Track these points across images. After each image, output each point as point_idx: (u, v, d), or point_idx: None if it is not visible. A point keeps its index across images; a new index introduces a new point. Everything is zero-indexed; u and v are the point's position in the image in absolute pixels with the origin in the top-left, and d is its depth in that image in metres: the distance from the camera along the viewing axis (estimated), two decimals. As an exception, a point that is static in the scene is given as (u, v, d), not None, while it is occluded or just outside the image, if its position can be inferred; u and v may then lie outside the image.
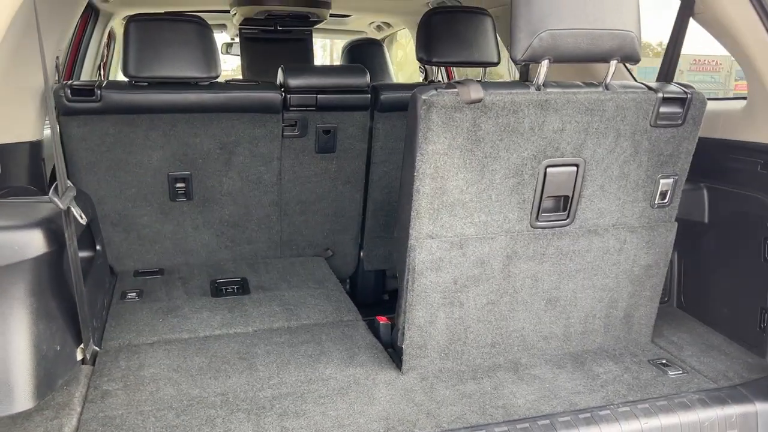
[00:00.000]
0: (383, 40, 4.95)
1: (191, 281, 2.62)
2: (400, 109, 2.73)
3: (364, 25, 4.95)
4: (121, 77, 2.67)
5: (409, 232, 1.82)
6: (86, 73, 3.77)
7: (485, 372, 1.95)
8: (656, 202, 1.97)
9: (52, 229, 1.73)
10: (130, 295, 2.45)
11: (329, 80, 2.63)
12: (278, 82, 2.67)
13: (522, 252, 1.91)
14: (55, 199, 1.62)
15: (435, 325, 1.91)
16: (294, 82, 2.59)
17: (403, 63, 6.25)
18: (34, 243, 1.68)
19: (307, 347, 2.07)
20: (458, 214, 1.82)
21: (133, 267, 2.73)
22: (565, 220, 1.91)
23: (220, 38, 5.28)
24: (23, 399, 1.66)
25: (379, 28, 4.86)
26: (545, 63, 1.68)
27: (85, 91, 2.35)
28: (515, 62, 1.69)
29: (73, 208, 1.68)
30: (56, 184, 1.64)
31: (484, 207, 1.84)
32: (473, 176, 1.79)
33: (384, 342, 2.13)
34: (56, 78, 2.52)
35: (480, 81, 1.89)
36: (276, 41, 4.06)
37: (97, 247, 2.36)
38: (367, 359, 2.00)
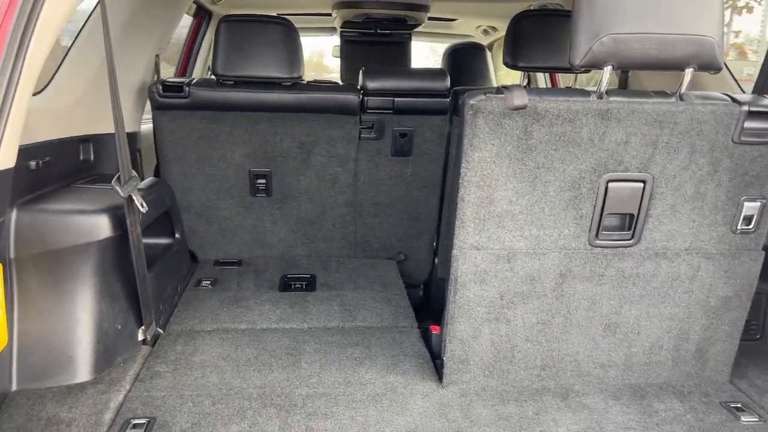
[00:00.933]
0: (491, 44, 4.85)
1: (263, 274, 2.72)
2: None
3: (471, 29, 4.87)
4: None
5: (453, 242, 1.76)
6: (197, 72, 4.03)
7: (531, 395, 1.84)
8: (739, 227, 1.75)
9: (119, 215, 1.86)
10: (205, 282, 2.58)
11: (407, 83, 2.61)
12: (359, 85, 2.70)
13: (578, 271, 1.78)
14: (117, 188, 1.74)
15: (478, 340, 1.84)
16: (372, 84, 2.60)
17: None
18: (100, 227, 1.82)
19: (354, 350, 2.07)
20: (506, 226, 1.74)
21: (214, 256, 2.88)
22: (629, 240, 1.75)
23: (331, 42, 5.44)
24: (82, 372, 1.80)
25: (485, 32, 4.76)
26: (608, 69, 1.55)
27: (175, 88, 2.51)
28: (573, 68, 1.58)
29: (134, 197, 1.79)
30: (119, 174, 1.76)
31: (536, 220, 1.73)
32: (524, 187, 1.69)
33: (434, 352, 2.08)
34: (155, 75, 2.72)
35: (527, 87, 1.79)
36: (375, 44, 4.11)
37: (176, 235, 2.51)
38: (411, 368, 1.96)
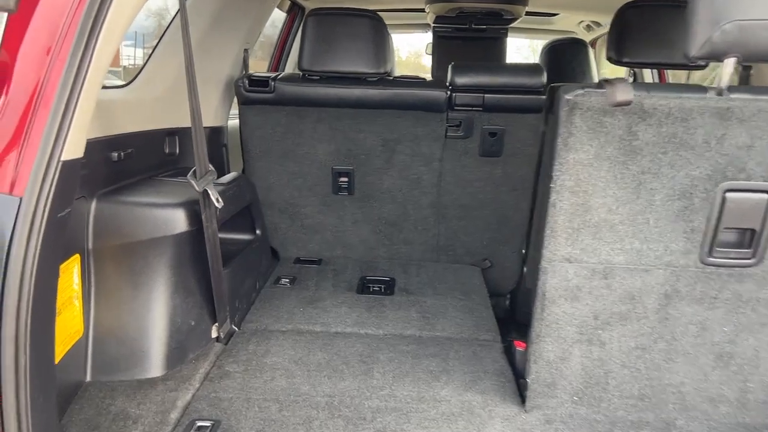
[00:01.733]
0: (594, 41, 4.56)
1: (342, 274, 2.64)
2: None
3: (572, 25, 4.60)
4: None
5: (541, 253, 1.60)
6: (290, 69, 4.04)
7: (626, 427, 1.64)
8: None
9: (196, 210, 1.83)
10: (284, 280, 2.54)
11: (499, 79, 2.45)
12: (447, 81, 2.57)
13: (686, 292, 1.56)
14: (192, 182, 1.71)
15: (567, 363, 1.66)
16: (460, 79, 2.46)
17: (616, 67, 5.71)
18: (176, 221, 1.80)
19: (431, 362, 1.94)
20: (604, 238, 1.55)
21: (296, 254, 2.84)
22: (750, 259, 1.52)
23: (425, 39, 5.33)
24: (154, 367, 1.78)
25: (588, 27, 4.47)
26: (730, 62, 1.33)
27: (261, 82, 2.48)
28: (688, 61, 1.37)
29: (210, 191, 1.75)
30: (195, 168, 1.73)
31: (639, 232, 1.53)
32: (626, 194, 1.50)
33: (517, 371, 1.91)
34: (243, 70, 2.71)
35: (633, 81, 1.58)
36: (468, 40, 3.95)
37: (257, 231, 2.48)
38: (491, 387, 1.81)
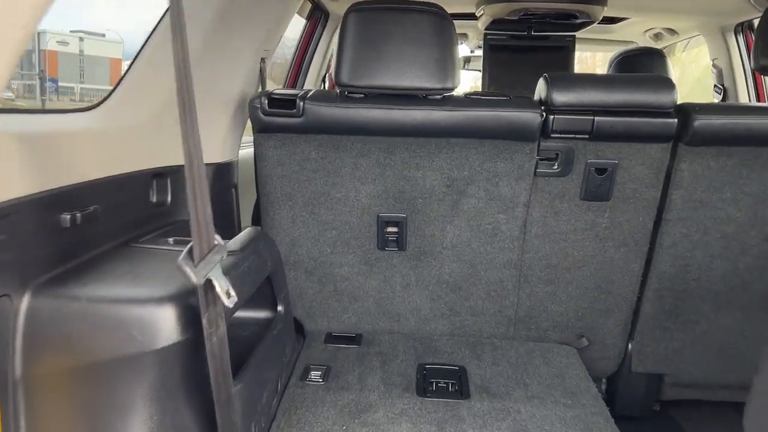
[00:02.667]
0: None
1: (393, 361, 1.95)
2: (724, 142, 1.78)
3: (637, 33, 3.95)
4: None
5: None
6: (309, 86, 3.38)
7: None
8: None
9: (192, 306, 1.15)
10: (314, 374, 1.85)
11: (616, 95, 1.77)
12: (537, 97, 1.89)
13: None
14: (186, 269, 1.02)
15: None
16: (561, 97, 1.78)
17: (677, 80, 5.05)
18: (161, 328, 1.11)
19: None
20: None
21: (327, 327, 2.15)
22: None
23: (461, 51, 4.68)
24: None
25: (657, 36, 3.82)
26: None
27: (286, 102, 1.81)
28: None
29: (216, 282, 1.07)
30: (191, 245, 1.04)
31: None
32: None
33: None
34: (259, 87, 2.04)
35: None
36: (528, 50, 3.28)
37: (279, 308, 1.79)
38: None
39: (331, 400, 1.70)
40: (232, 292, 1.09)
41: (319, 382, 1.80)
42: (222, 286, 1.07)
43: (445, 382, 1.84)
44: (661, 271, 1.99)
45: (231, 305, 1.09)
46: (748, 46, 3.12)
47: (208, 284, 1.06)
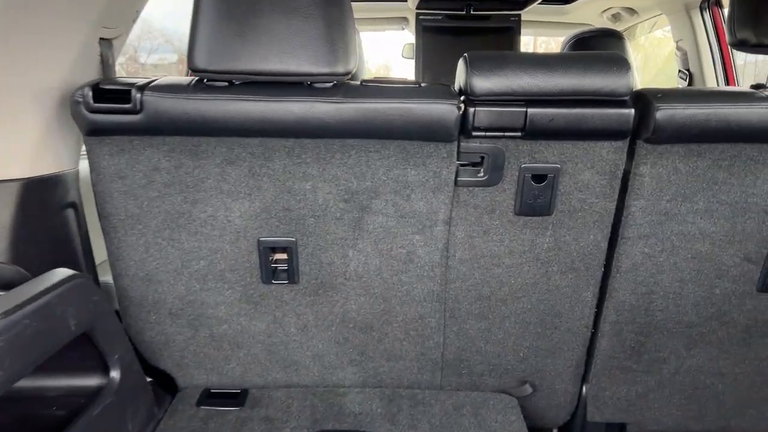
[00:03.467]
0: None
1: (280, 430, 1.51)
2: (695, 138, 1.38)
3: (593, 15, 3.56)
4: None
5: None
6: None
7: None
8: None
9: None
10: (170, 453, 1.40)
11: (555, 80, 1.35)
12: (456, 86, 1.46)
13: None
14: None
15: None
16: (484, 83, 1.35)
17: (639, 69, 4.67)
18: None
19: None
20: None
21: (206, 381, 1.70)
22: None
23: (402, 37, 4.24)
24: None
25: (616, 17, 3.43)
26: None
27: (117, 94, 1.35)
28: None
29: None
30: None
31: None
32: None
33: None
34: (101, 74, 1.58)
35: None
36: (467, 32, 2.85)
37: (112, 373, 1.33)
38: None
39: (181, 499, 1.26)
40: None
41: (172, 468, 1.35)
42: None
43: (345, 459, 1.41)
44: (620, 300, 1.58)
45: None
46: (716, 24, 2.75)
47: None
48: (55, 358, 1.14)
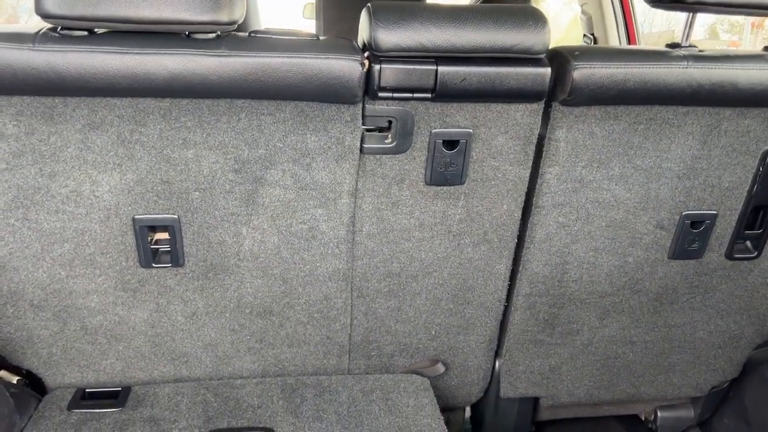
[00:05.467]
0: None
1: (170, 431, 1.33)
2: (613, 101, 1.30)
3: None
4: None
5: None
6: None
7: None
8: None
9: None
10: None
11: (467, 35, 1.22)
12: (360, 41, 1.30)
13: None
14: None
15: None
16: (390, 36, 1.20)
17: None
18: None
19: None
20: None
21: (79, 380, 1.48)
22: None
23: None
24: None
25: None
26: None
27: None
28: None
29: None
30: None
31: None
32: None
33: None
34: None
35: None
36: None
37: None
38: None
39: None
40: None
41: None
42: None
43: (240, 461, 1.25)
44: (533, 272, 1.51)
45: None
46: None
47: None
48: None
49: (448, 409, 1.74)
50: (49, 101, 1.17)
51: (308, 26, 3.48)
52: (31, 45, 1.11)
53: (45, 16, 1.11)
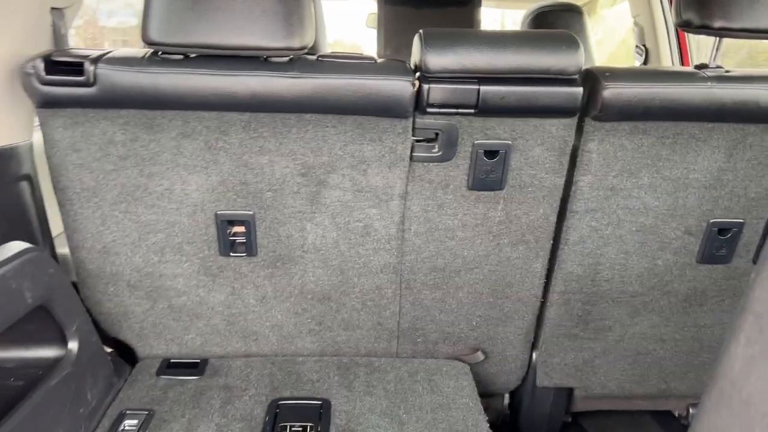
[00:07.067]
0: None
1: (239, 397, 1.55)
2: (640, 116, 1.43)
3: (554, -12, 3.58)
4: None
5: None
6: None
7: None
8: None
9: None
10: (130, 423, 1.42)
11: (507, 58, 1.38)
12: (412, 62, 1.48)
13: None
14: None
15: None
16: (438, 60, 1.38)
17: (601, 42, 4.73)
18: None
19: None
20: None
21: (165, 351, 1.72)
22: None
23: (367, 8, 4.20)
24: None
25: (576, -9, 3.46)
26: None
27: (70, 66, 1.34)
28: None
29: None
30: None
31: None
32: None
33: None
34: (54, 45, 1.55)
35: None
36: (429, 5, 2.86)
37: (69, 344, 1.35)
38: None
39: (141, 466, 1.29)
40: None
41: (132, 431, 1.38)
42: None
43: (300, 426, 1.45)
44: (568, 271, 1.65)
45: None
46: (671, 1, 2.81)
47: None
48: (12, 331, 1.15)
49: (488, 395, 1.89)
50: (150, 113, 1.41)
51: (371, 35, 3.68)
52: (139, 67, 1.35)
53: (149, 43, 1.34)
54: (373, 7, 4.14)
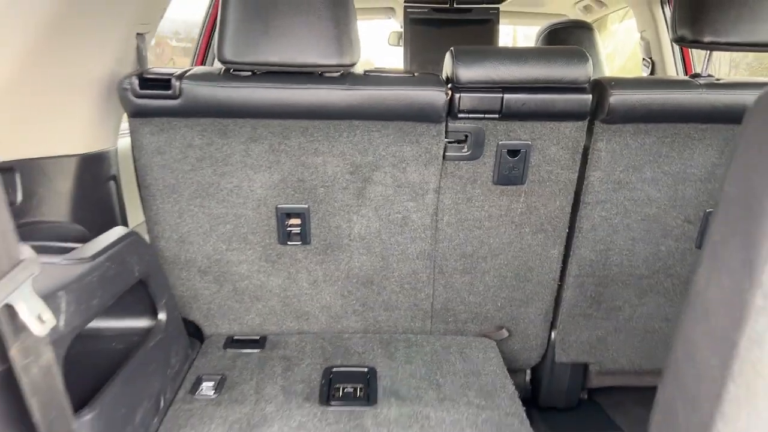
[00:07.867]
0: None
1: (297, 365, 1.79)
2: (642, 119, 1.66)
3: (566, 6, 3.84)
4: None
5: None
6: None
7: None
8: None
9: None
10: (207, 385, 1.67)
11: (526, 70, 1.63)
12: (444, 74, 1.73)
13: None
14: None
15: None
16: (468, 73, 1.63)
17: (612, 55, 4.98)
18: None
19: None
20: None
21: (228, 330, 1.97)
22: None
23: (388, 26, 4.49)
24: None
25: (587, 8, 3.72)
26: None
27: (159, 82, 1.60)
28: None
29: (22, 307, 0.87)
30: None
31: None
32: None
33: None
34: (137, 64, 1.82)
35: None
36: (450, 24, 3.12)
37: (159, 315, 1.60)
38: None
39: (221, 416, 1.53)
40: (47, 315, 0.90)
41: (209, 395, 1.62)
42: (30, 310, 0.88)
43: (352, 387, 1.69)
44: (581, 256, 1.88)
45: (45, 331, 0.90)
46: (674, 17, 3.04)
47: (9, 310, 0.86)
48: (115, 305, 1.40)
49: (511, 371, 2.11)
50: (223, 121, 1.67)
51: (395, 53, 3.95)
52: (215, 82, 1.61)
53: (223, 62, 1.60)
54: (393, 26, 4.44)
